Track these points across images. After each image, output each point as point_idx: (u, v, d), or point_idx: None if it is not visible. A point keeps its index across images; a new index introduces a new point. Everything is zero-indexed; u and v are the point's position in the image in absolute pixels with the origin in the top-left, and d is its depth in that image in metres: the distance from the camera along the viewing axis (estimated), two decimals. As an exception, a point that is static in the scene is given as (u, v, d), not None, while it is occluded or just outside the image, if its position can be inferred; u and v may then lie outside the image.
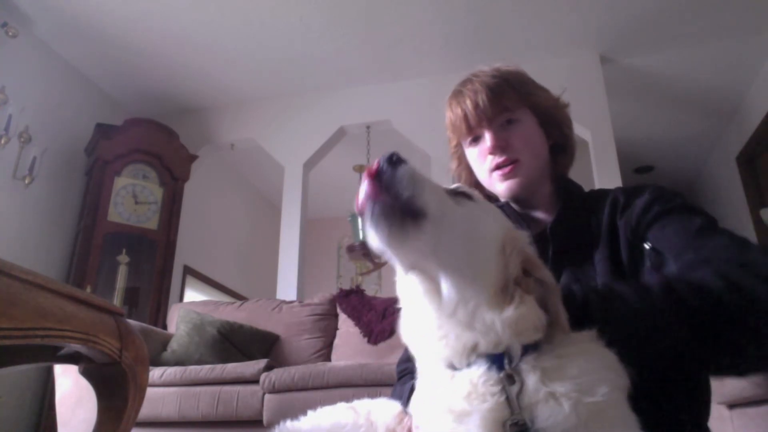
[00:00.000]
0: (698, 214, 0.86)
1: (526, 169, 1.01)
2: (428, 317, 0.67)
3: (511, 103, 1.01)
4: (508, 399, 0.60)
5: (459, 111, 1.03)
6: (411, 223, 0.62)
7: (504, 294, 0.65)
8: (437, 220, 0.63)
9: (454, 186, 0.74)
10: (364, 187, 0.63)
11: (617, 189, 0.99)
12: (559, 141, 1.07)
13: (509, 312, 0.63)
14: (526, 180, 1.01)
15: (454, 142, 1.11)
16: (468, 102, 1.01)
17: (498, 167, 1.02)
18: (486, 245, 0.67)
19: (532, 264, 0.69)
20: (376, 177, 0.63)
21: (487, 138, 1.01)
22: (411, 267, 0.67)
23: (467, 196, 0.72)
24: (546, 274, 0.68)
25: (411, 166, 0.64)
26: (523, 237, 0.73)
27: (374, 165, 0.64)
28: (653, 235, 0.86)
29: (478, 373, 0.62)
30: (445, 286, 0.65)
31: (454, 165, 1.15)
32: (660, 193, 0.92)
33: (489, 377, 0.62)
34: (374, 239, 0.64)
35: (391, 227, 0.62)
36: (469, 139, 1.05)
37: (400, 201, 0.62)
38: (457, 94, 1.05)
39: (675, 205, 0.88)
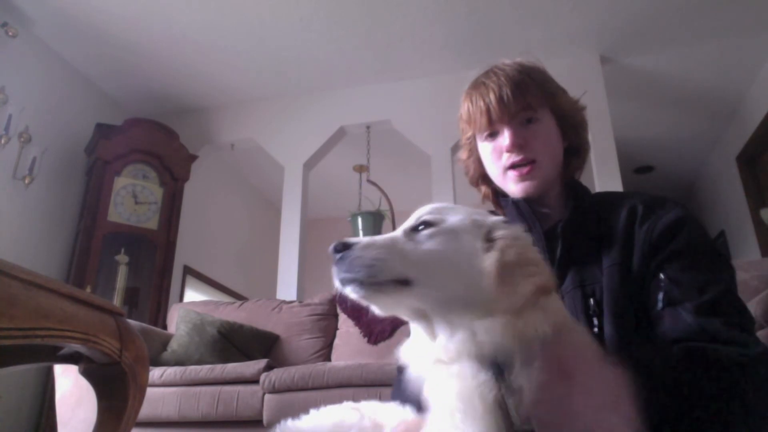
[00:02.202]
0: (720, 268, 0.85)
1: (543, 171, 0.99)
2: (427, 341, 0.70)
3: (534, 101, 0.98)
4: (507, 408, 0.60)
5: (481, 103, 0.98)
6: (390, 289, 0.68)
7: (498, 302, 0.65)
8: (411, 279, 0.67)
9: (414, 219, 0.74)
10: (335, 271, 0.70)
11: (634, 197, 0.96)
12: (575, 143, 1.05)
13: (502, 328, 0.63)
14: (541, 182, 0.99)
15: (468, 134, 1.07)
16: (492, 95, 0.97)
17: (514, 166, 0.99)
18: (459, 270, 0.68)
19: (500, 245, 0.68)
20: (339, 263, 0.69)
21: (507, 135, 0.98)
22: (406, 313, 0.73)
23: (429, 224, 0.73)
24: (503, 242, 0.68)
25: (360, 246, 0.68)
26: (494, 226, 0.73)
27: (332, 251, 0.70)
28: (672, 270, 0.85)
29: (469, 371, 0.63)
30: (436, 323, 0.68)
31: (464, 156, 1.12)
32: (686, 215, 0.90)
33: (485, 381, 0.62)
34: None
35: (372, 299, 0.70)
36: (486, 133, 1.01)
37: (369, 280, 0.68)
38: (479, 86, 1.01)
39: (700, 244, 0.88)
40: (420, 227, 0.73)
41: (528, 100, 0.97)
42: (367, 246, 0.68)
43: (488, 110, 0.98)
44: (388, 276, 0.67)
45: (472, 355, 0.64)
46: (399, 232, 0.74)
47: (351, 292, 0.68)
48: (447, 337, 0.66)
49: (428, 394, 0.69)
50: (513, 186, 1.01)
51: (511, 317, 0.63)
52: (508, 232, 0.71)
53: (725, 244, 5.09)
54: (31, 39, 3.69)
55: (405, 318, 0.73)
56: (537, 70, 1.03)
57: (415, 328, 0.73)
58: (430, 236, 0.71)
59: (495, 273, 0.65)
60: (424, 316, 0.70)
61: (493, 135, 1.01)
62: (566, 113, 1.03)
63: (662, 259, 0.87)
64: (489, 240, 0.70)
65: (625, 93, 4.24)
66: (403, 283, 0.67)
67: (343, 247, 0.69)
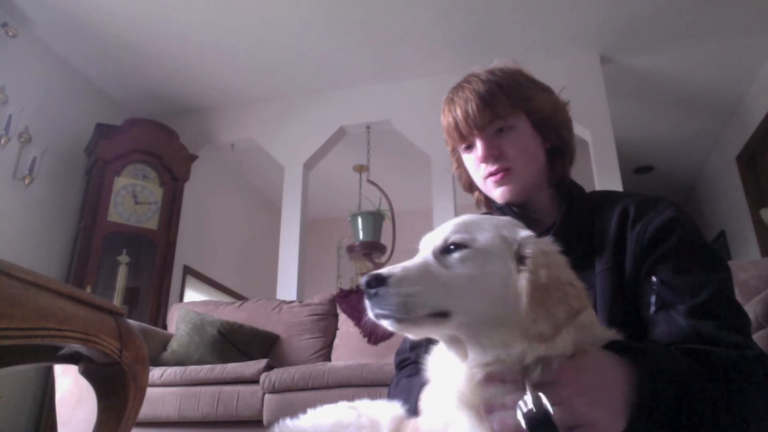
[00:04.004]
0: (713, 269, 0.84)
1: (519, 177, 0.99)
2: (456, 363, 0.70)
3: (503, 111, 0.98)
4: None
5: (450, 119, 1.01)
6: (428, 323, 0.66)
7: (533, 325, 0.64)
8: (448, 311, 0.66)
9: (443, 238, 0.72)
10: (369, 305, 0.67)
11: (627, 198, 0.95)
12: (557, 144, 1.04)
13: (535, 350, 0.64)
14: (519, 186, 0.99)
15: (450, 147, 1.09)
16: (458, 111, 0.99)
17: (491, 174, 1.00)
18: (494, 295, 0.67)
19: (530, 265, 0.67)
20: (373, 299, 0.66)
21: (479, 147, 0.99)
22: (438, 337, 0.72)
23: (461, 246, 0.70)
24: (531, 267, 0.67)
25: (395, 281, 0.65)
26: (523, 242, 0.71)
27: (366, 283, 0.66)
28: (664, 272, 0.84)
29: (499, 392, 0.65)
30: (469, 346, 0.67)
31: (454, 167, 1.14)
32: (678, 216, 0.88)
33: (515, 403, 0.64)
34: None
35: (408, 332, 0.69)
36: (464, 145, 1.03)
37: (407, 316, 0.65)
38: (449, 102, 1.03)
39: (692, 244, 0.86)
40: (450, 247, 0.71)
41: (496, 111, 0.97)
42: (402, 280, 0.66)
43: (457, 126, 1.00)
44: (425, 311, 0.65)
45: (503, 377, 0.64)
46: (429, 254, 0.71)
47: (386, 326, 0.67)
48: (479, 359, 0.66)
49: (448, 406, 0.70)
50: (494, 192, 1.02)
51: (546, 339, 0.63)
52: (537, 248, 0.69)
53: (725, 244, 5.09)
54: (31, 39, 3.69)
55: (437, 340, 0.72)
56: (510, 75, 1.02)
57: (442, 347, 0.73)
58: (464, 260, 0.69)
59: (528, 296, 0.64)
60: (456, 340, 0.69)
61: (470, 147, 1.03)
62: (544, 115, 1.02)
63: (654, 261, 0.86)
64: (520, 258, 0.68)
65: (625, 93, 4.24)
66: (441, 315, 0.66)
67: (376, 282, 0.65)
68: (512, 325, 0.65)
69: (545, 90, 1.05)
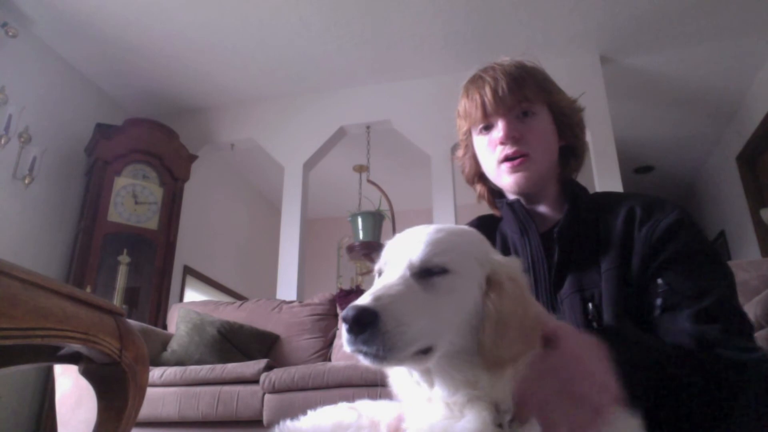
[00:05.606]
0: (718, 274, 0.85)
1: (536, 165, 0.98)
2: (425, 392, 0.68)
3: (531, 94, 0.98)
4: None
5: (477, 96, 1.00)
6: (412, 359, 0.63)
7: (496, 354, 0.63)
8: (434, 346, 0.63)
9: (422, 259, 0.66)
10: (349, 339, 0.60)
11: (632, 199, 0.96)
12: (571, 143, 1.05)
13: (504, 380, 0.63)
14: (534, 175, 0.99)
15: (464, 129, 1.06)
16: (488, 88, 0.98)
17: (507, 159, 0.99)
18: (472, 325, 0.65)
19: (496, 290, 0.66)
20: (357, 335, 0.59)
21: (501, 126, 0.98)
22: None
23: (441, 269, 0.66)
24: (500, 297, 0.65)
25: (384, 318, 0.59)
26: (494, 266, 0.69)
27: (349, 319, 0.59)
28: (670, 275, 0.85)
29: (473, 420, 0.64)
30: (437, 375, 0.66)
31: (460, 153, 1.12)
32: (684, 219, 0.89)
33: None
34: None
35: (386, 366, 0.68)
36: (481, 126, 1.02)
37: (394, 356, 0.61)
38: (477, 80, 1.02)
39: (698, 248, 0.86)
40: (430, 269, 0.66)
41: (524, 93, 0.98)
42: (390, 315, 0.59)
43: (483, 103, 0.99)
44: (413, 349, 0.61)
45: (473, 406, 0.63)
46: (408, 275, 0.65)
47: (364, 362, 0.61)
48: (447, 388, 0.65)
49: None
50: (506, 178, 1.00)
51: (503, 366, 0.63)
52: (507, 275, 0.67)
53: (725, 244, 5.09)
54: (31, 39, 3.69)
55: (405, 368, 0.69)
56: (536, 69, 1.04)
57: (404, 374, 0.71)
58: (447, 287, 0.65)
59: (492, 324, 0.63)
60: (426, 370, 0.67)
61: (488, 128, 1.01)
62: (563, 111, 1.03)
63: (660, 264, 0.86)
64: (489, 282, 0.67)
65: (625, 93, 4.24)
66: (425, 351, 0.62)
67: (366, 318, 0.58)
68: (479, 356, 0.64)
69: (562, 91, 1.07)
